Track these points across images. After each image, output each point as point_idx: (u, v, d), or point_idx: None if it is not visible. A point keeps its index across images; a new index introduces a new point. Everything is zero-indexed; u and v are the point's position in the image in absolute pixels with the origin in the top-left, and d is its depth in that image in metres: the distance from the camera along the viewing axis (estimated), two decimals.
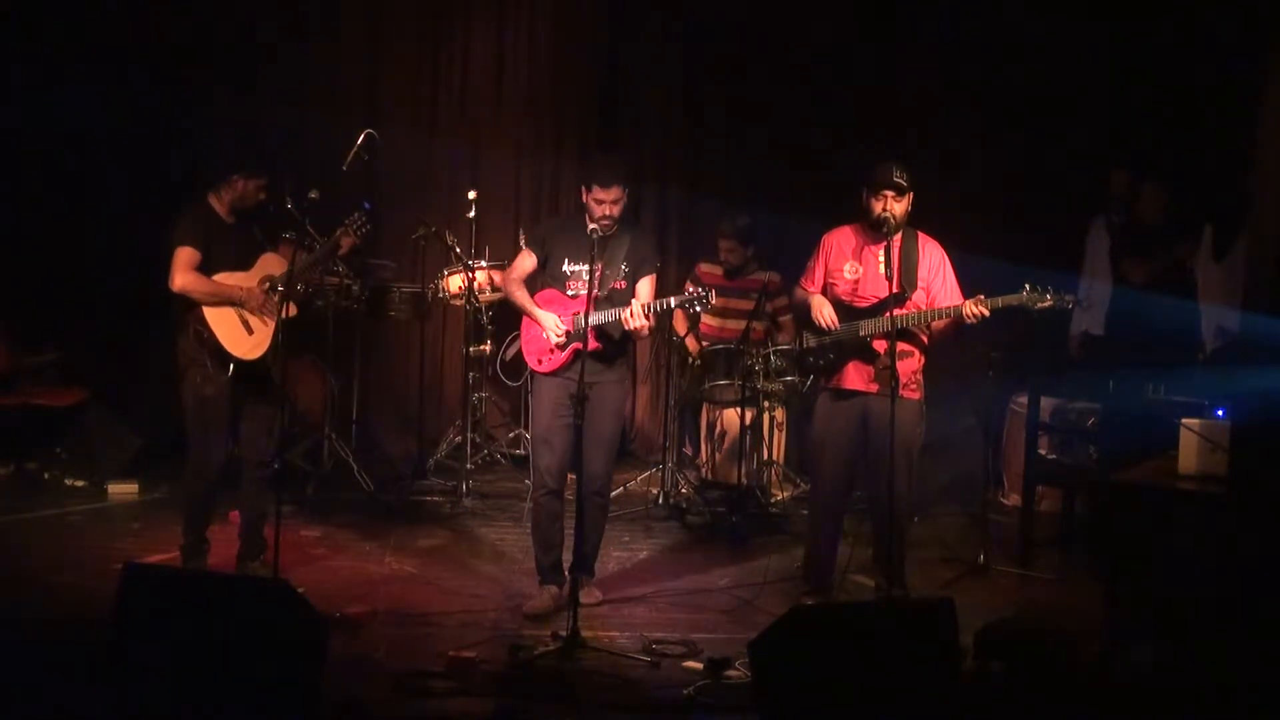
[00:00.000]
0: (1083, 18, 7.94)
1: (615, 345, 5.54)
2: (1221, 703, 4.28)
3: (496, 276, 7.37)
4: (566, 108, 8.55)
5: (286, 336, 5.51)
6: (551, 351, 5.53)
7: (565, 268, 5.55)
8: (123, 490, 7.14)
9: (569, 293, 5.51)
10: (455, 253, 7.42)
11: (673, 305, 5.56)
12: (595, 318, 5.36)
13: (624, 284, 5.52)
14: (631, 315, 5.31)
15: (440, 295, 7.56)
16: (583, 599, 5.16)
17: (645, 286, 5.54)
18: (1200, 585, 4.64)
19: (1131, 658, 4.76)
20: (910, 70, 8.29)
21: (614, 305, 5.41)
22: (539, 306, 5.53)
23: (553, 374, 5.55)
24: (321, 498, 7.12)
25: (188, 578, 4.93)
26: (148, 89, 7.66)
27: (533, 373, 5.69)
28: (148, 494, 7.09)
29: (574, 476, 5.57)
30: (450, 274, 7.52)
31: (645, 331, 5.44)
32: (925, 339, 5.46)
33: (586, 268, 5.43)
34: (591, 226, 5.39)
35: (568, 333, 5.44)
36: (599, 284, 5.40)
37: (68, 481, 7.25)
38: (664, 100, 8.62)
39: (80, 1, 7.79)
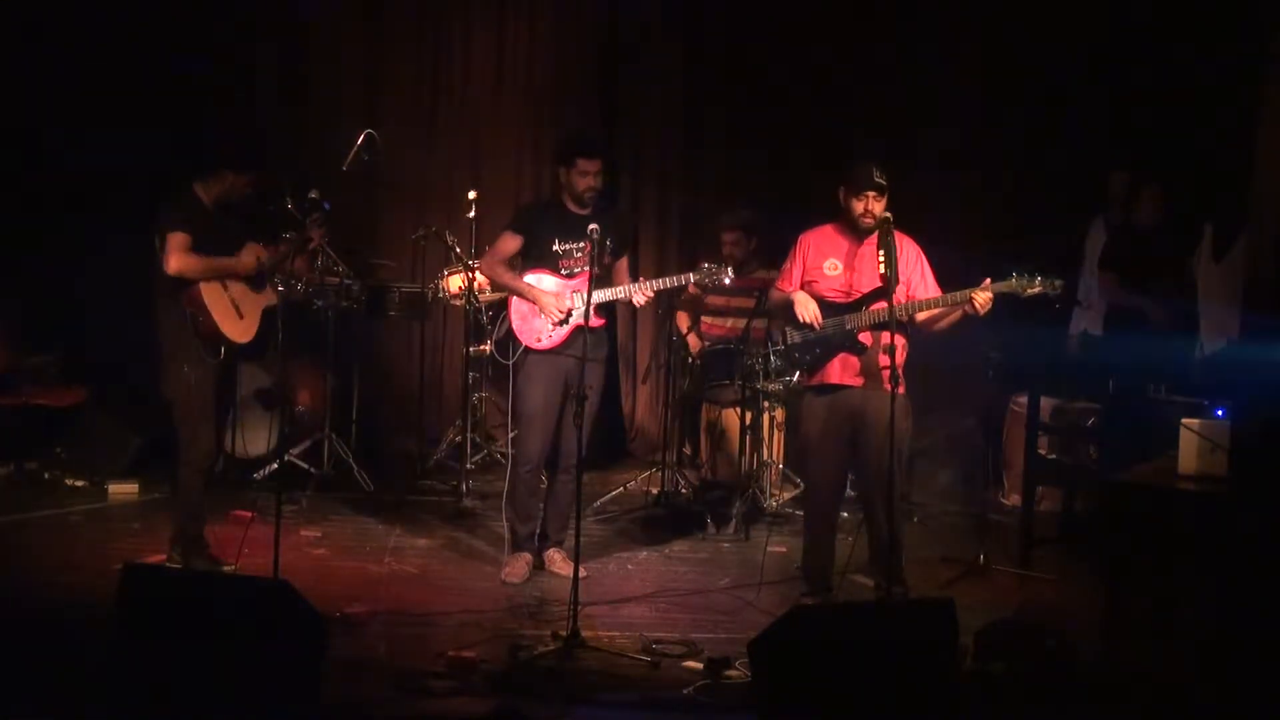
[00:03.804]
0: (1083, 16, 7.93)
1: (609, 319, 5.82)
2: (1221, 703, 4.27)
3: None
4: (566, 108, 8.54)
5: (286, 336, 5.52)
6: (554, 327, 5.62)
7: (556, 248, 5.66)
8: (123, 490, 7.13)
9: (563, 272, 5.66)
10: (455, 253, 7.42)
11: (691, 280, 5.79)
12: (601, 295, 5.51)
13: (609, 259, 5.69)
14: (641, 292, 5.57)
15: (440, 295, 7.56)
16: (560, 570, 5.32)
17: (622, 264, 5.75)
18: (1200, 585, 4.63)
19: (1131, 658, 4.76)
20: (911, 70, 8.28)
21: (608, 281, 5.62)
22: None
23: (553, 351, 5.64)
24: (321, 497, 7.13)
25: (188, 578, 4.93)
26: (148, 87, 7.66)
27: (526, 350, 5.73)
28: (148, 494, 7.08)
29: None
30: (450, 274, 7.52)
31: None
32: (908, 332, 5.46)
33: (577, 245, 5.60)
34: (592, 222, 5.45)
35: (570, 310, 5.58)
36: (595, 262, 5.53)
37: (68, 481, 7.23)
38: (664, 101, 8.61)
39: (80, 1, 7.79)
